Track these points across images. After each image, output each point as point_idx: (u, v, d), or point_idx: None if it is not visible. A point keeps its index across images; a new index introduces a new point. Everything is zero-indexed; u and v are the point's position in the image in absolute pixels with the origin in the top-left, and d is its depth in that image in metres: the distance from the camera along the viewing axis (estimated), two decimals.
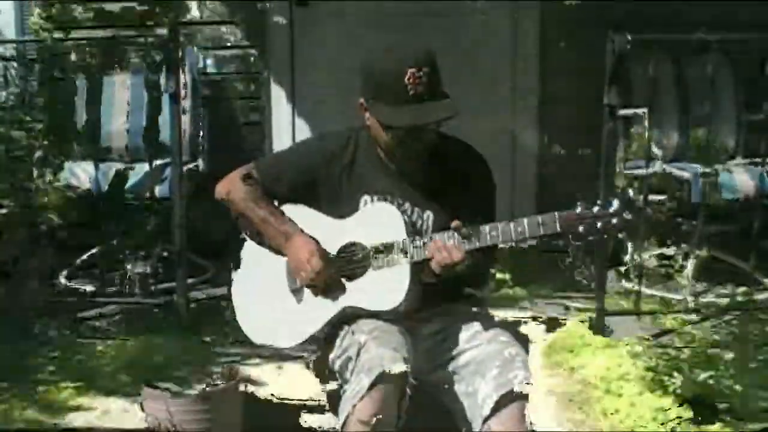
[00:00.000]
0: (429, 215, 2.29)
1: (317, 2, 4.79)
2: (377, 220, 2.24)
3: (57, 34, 3.92)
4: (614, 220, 2.12)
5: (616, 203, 2.12)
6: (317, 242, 2.26)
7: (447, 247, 2.14)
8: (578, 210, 2.13)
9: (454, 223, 2.15)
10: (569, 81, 4.56)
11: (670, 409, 2.84)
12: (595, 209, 2.12)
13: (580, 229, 2.12)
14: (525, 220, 2.13)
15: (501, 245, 2.20)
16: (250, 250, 2.40)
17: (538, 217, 2.13)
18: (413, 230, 2.24)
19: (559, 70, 4.65)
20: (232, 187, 2.37)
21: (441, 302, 2.32)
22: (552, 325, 3.55)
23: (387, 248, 2.20)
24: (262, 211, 2.32)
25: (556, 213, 2.12)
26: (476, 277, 2.33)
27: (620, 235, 2.16)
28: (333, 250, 2.27)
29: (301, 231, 2.28)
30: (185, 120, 3.97)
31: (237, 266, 2.41)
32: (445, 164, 2.30)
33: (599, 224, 2.12)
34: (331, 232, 2.28)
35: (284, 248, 2.29)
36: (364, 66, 2.23)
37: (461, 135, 2.36)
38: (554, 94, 4.69)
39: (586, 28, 4.08)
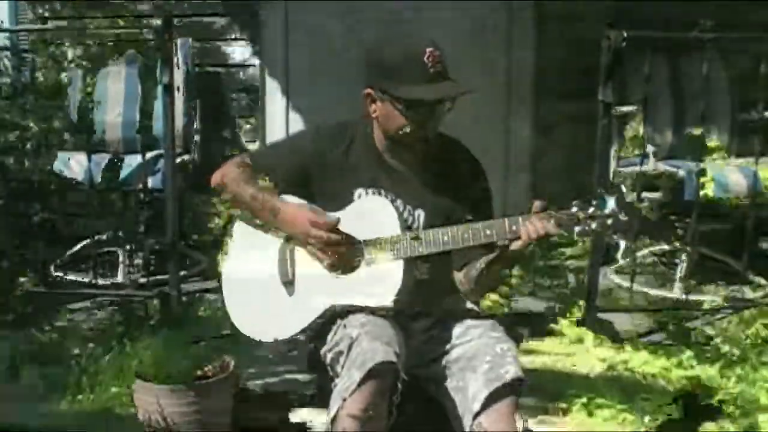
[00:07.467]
0: (420, 213, 2.28)
1: None
2: (371, 214, 2.23)
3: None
4: (609, 221, 2.11)
5: (611, 203, 2.10)
6: (309, 205, 2.25)
7: (534, 220, 2.09)
8: (574, 209, 2.11)
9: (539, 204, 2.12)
10: (564, 76, 4.56)
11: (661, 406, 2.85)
12: (591, 209, 2.11)
13: (576, 229, 2.11)
14: (520, 219, 2.13)
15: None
16: (240, 241, 2.39)
17: (534, 215, 2.13)
18: (405, 227, 2.23)
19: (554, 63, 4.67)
20: (226, 171, 2.37)
21: (434, 298, 2.32)
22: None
23: (381, 243, 2.19)
24: (252, 189, 2.30)
25: (552, 212, 2.11)
26: (499, 278, 2.29)
27: (615, 236, 2.14)
28: None
29: (290, 202, 2.27)
30: (178, 112, 3.95)
31: (226, 254, 2.41)
32: (442, 163, 2.29)
33: (594, 225, 2.11)
34: None
35: (277, 223, 2.28)
36: (373, 53, 2.22)
37: (456, 131, 2.35)
38: (549, 88, 4.70)
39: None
